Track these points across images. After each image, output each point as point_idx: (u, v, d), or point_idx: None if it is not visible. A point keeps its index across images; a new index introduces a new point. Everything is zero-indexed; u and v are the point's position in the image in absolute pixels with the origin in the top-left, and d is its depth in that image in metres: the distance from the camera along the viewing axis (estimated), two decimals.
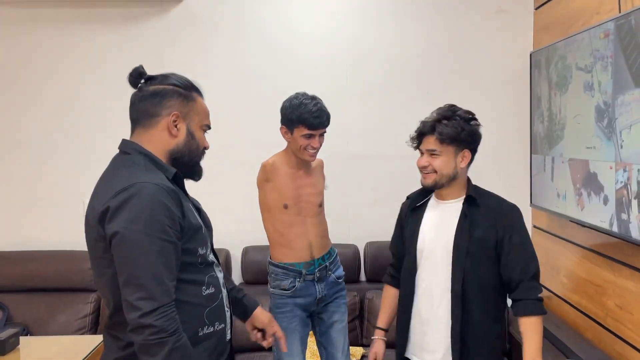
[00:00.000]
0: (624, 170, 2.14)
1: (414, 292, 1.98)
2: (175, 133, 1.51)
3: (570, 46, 2.58)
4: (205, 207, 3.45)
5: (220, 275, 1.59)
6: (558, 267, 2.96)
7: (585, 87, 2.43)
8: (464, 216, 1.92)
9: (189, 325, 1.42)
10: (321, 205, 2.32)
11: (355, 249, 3.24)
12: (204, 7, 3.30)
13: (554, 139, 2.77)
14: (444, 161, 1.90)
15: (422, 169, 1.96)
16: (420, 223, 2.01)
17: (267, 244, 3.27)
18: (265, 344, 1.88)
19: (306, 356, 2.81)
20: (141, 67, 1.54)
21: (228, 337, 1.60)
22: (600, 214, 2.33)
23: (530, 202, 3.11)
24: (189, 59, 3.31)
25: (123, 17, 3.29)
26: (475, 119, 1.96)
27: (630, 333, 2.30)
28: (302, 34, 3.33)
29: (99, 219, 1.36)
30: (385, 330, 2.15)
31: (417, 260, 1.98)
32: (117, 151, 1.54)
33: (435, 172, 1.91)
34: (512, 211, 1.94)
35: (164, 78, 1.53)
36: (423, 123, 1.95)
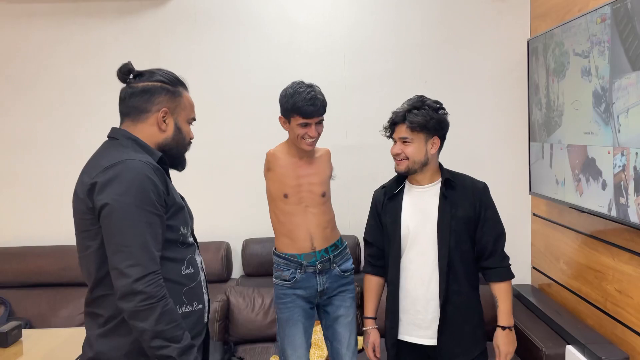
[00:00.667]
0: (622, 155, 2.14)
1: (400, 276, 2.09)
2: (164, 128, 1.59)
3: (567, 32, 2.58)
4: (205, 200, 3.47)
5: (199, 259, 1.65)
6: (557, 254, 2.96)
7: (583, 73, 2.43)
8: (444, 198, 2.06)
9: None
10: (324, 195, 2.28)
11: (355, 240, 3.25)
12: (200, 0, 3.30)
13: (552, 126, 2.78)
14: (416, 148, 2.04)
15: (395, 156, 2.09)
16: (400, 210, 2.12)
17: (267, 236, 3.29)
18: None
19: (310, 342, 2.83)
20: (129, 63, 1.59)
21: (205, 319, 1.65)
22: (598, 199, 2.34)
23: (530, 189, 3.11)
24: (186, 52, 3.31)
25: (119, 11, 3.29)
26: (443, 108, 2.10)
27: (631, 317, 2.31)
28: (299, 25, 3.33)
29: (88, 191, 1.43)
30: (375, 319, 2.21)
31: (402, 245, 2.09)
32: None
33: (408, 158, 2.05)
34: (485, 188, 2.12)
35: (151, 74, 1.60)
36: (395, 113, 2.10)
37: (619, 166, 2.17)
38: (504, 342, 2.05)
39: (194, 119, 1.70)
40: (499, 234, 2.09)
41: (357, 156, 3.35)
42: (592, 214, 2.44)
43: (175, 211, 1.54)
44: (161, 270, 1.44)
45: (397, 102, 3.31)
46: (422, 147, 2.05)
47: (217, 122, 3.34)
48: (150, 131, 1.58)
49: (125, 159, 1.45)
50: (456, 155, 3.24)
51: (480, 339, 2.11)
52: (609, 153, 2.24)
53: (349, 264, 2.35)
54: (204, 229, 3.34)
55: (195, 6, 3.30)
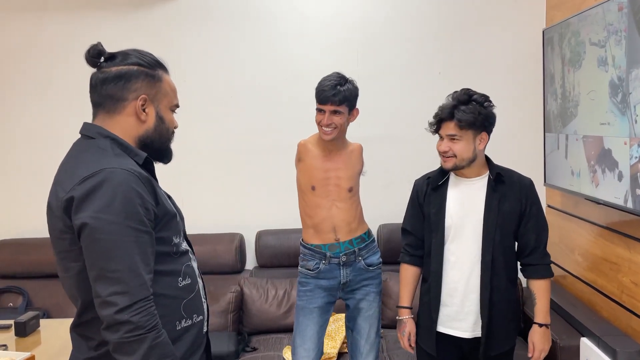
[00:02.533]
0: (639, 146, 2.12)
1: (442, 267, 2.06)
2: (144, 118, 1.39)
3: (583, 21, 2.54)
4: (219, 192, 3.49)
5: (195, 265, 1.50)
6: (572, 245, 2.94)
7: (599, 62, 2.40)
8: (492, 191, 2.04)
9: (165, 319, 1.32)
10: (351, 190, 2.25)
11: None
12: None
13: (568, 117, 2.74)
14: (464, 145, 1.99)
15: (442, 153, 2.04)
16: (445, 200, 2.08)
17: (281, 227, 3.31)
18: None
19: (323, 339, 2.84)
20: (99, 44, 1.40)
21: (205, 329, 1.51)
22: (614, 191, 2.31)
23: (545, 181, 3.09)
24: (198, 45, 3.32)
25: (132, 4, 3.31)
26: (490, 101, 2.03)
27: None
28: (312, 17, 3.32)
29: (64, 208, 1.25)
30: (411, 308, 2.19)
31: (446, 236, 2.06)
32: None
33: (455, 156, 2.00)
34: (531, 184, 2.09)
35: (125, 56, 1.40)
36: (441, 109, 2.02)
37: (636, 157, 2.14)
38: (539, 340, 2.05)
39: (177, 106, 1.49)
40: (543, 231, 2.06)
41: (371, 148, 3.33)
42: (608, 206, 2.41)
43: (166, 222, 1.36)
44: (157, 287, 1.29)
45: (411, 93, 3.31)
46: (471, 144, 1.99)
47: (230, 115, 3.36)
48: (128, 123, 1.38)
49: (105, 167, 1.25)
50: None
51: (513, 333, 2.12)
52: (625, 144, 2.21)
53: (376, 258, 2.33)
54: (218, 220, 3.38)
55: (207, 0, 3.32)
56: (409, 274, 2.19)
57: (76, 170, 1.27)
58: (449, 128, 1.99)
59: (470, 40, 3.29)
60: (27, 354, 1.87)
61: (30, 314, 2.27)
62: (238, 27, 3.32)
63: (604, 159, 2.38)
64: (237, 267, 3.26)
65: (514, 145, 3.29)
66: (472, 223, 2.03)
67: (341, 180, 2.23)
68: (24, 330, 2.19)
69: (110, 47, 1.44)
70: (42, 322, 2.31)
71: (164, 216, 1.35)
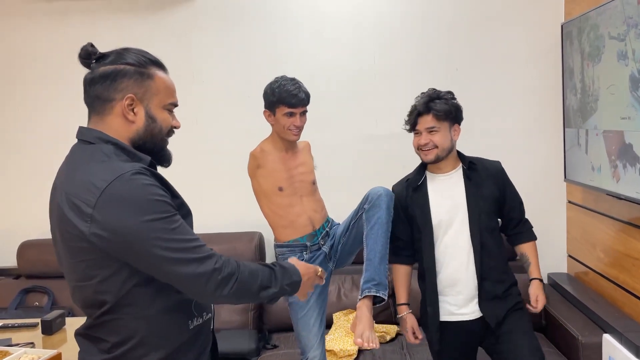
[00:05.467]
0: None
1: (436, 262, 2.17)
2: (132, 118, 1.34)
3: (602, 15, 2.51)
4: (238, 190, 3.50)
5: None
6: (594, 241, 2.91)
7: (619, 56, 2.37)
8: (469, 180, 2.18)
9: (178, 319, 1.34)
10: (314, 183, 2.36)
11: None
12: None
13: (588, 111, 2.72)
14: (443, 136, 2.13)
15: (422, 146, 2.15)
16: (427, 199, 2.20)
17: None
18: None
19: (341, 335, 2.86)
20: (89, 44, 1.38)
21: (211, 326, 1.50)
22: (636, 186, 2.29)
23: (565, 176, 3.06)
24: (216, 45, 3.35)
25: (150, 7, 3.35)
26: (455, 98, 2.20)
27: None
28: (328, 14, 3.33)
29: (89, 222, 1.22)
30: (408, 304, 2.27)
31: (436, 232, 2.17)
32: None
33: (437, 147, 2.13)
34: (502, 167, 2.27)
35: (117, 56, 1.37)
36: (416, 105, 2.18)
37: None
38: (541, 291, 2.19)
39: (174, 105, 1.43)
40: (520, 204, 2.28)
41: (388, 144, 3.34)
42: (630, 201, 2.38)
43: (184, 215, 1.34)
44: (169, 287, 1.29)
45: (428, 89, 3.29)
46: (448, 135, 2.15)
47: (249, 114, 3.36)
48: (118, 124, 1.34)
49: (119, 173, 1.24)
50: (490, 141, 3.22)
51: (516, 294, 2.22)
52: None
53: (337, 225, 2.40)
54: (237, 219, 3.40)
55: (224, 0, 3.34)
56: (400, 272, 2.29)
57: (90, 181, 1.24)
58: (427, 121, 2.13)
59: (487, 36, 3.27)
60: (53, 352, 1.91)
61: (56, 312, 2.31)
62: (256, 27, 3.34)
63: (625, 154, 2.36)
64: None
65: (533, 140, 3.27)
66: (459, 215, 2.15)
67: (304, 175, 2.33)
68: (50, 329, 2.23)
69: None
70: (68, 320, 2.35)
71: (180, 208, 1.34)
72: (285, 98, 2.19)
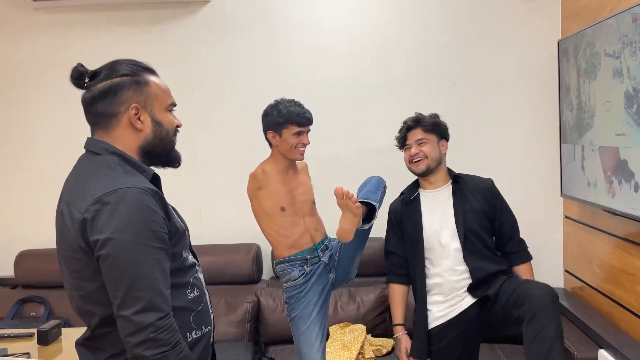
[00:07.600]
0: None
1: (429, 273, 2.26)
2: (140, 127, 1.38)
3: (598, 32, 2.55)
4: (236, 202, 3.51)
5: (202, 276, 1.50)
6: (590, 257, 2.92)
7: (614, 73, 2.40)
8: (454, 194, 2.29)
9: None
10: (314, 202, 2.40)
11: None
12: (231, 7, 3.36)
13: (584, 127, 2.74)
14: (431, 147, 2.29)
15: (413, 157, 2.29)
16: (420, 213, 2.31)
17: None
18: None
19: (337, 348, 2.85)
20: (79, 65, 1.40)
21: (211, 340, 1.51)
22: (631, 202, 2.30)
23: (561, 192, 3.08)
24: (217, 57, 3.38)
25: (152, 19, 3.38)
26: (439, 118, 2.39)
27: None
28: (329, 28, 3.36)
29: (80, 229, 1.25)
30: (404, 325, 2.31)
31: (427, 245, 2.27)
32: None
33: (427, 157, 2.27)
34: (493, 184, 2.37)
35: (110, 70, 1.39)
36: (405, 121, 2.36)
37: None
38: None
39: (173, 104, 1.46)
40: (514, 221, 2.35)
41: (386, 158, 3.35)
42: (625, 217, 2.40)
43: (177, 238, 1.36)
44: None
45: (426, 103, 3.31)
46: (436, 147, 2.30)
47: (248, 126, 3.38)
48: (127, 135, 1.37)
49: (118, 187, 1.25)
50: (487, 156, 3.25)
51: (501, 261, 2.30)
52: None
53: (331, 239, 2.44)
54: (235, 230, 3.41)
55: (225, 12, 3.37)
56: (397, 292, 2.34)
57: (89, 190, 1.27)
58: (416, 134, 2.30)
59: (485, 52, 3.30)
60: None
61: (52, 322, 2.31)
62: (255, 40, 3.38)
63: (620, 170, 2.38)
64: (254, 277, 3.29)
65: (530, 156, 3.29)
66: (449, 227, 2.25)
67: (305, 194, 2.36)
68: (46, 339, 2.23)
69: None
70: (64, 330, 2.35)
71: (175, 232, 1.35)
72: (295, 118, 2.24)
